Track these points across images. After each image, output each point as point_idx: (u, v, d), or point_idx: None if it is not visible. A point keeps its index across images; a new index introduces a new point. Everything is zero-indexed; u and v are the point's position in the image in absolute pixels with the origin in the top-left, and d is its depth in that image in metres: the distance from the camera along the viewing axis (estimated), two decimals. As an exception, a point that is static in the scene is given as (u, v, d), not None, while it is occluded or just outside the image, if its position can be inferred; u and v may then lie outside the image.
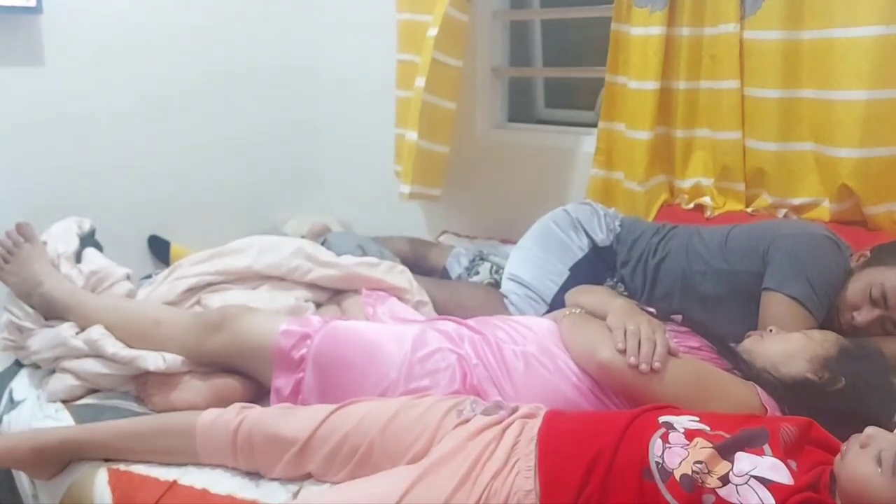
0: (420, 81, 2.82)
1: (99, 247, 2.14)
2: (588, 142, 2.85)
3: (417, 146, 2.87)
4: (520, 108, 3.38)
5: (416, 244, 2.75)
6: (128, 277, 2.04)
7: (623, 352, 1.48)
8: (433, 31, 2.79)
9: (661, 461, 1.23)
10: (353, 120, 3.50)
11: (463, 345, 1.68)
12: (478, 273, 2.45)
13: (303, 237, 2.49)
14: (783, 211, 2.44)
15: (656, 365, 1.45)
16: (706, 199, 2.55)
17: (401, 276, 2.15)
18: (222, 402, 1.65)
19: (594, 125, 2.80)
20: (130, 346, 1.79)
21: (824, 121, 2.27)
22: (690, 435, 1.26)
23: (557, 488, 1.27)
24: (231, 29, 3.15)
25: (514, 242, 2.42)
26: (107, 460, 1.59)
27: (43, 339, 1.84)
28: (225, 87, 3.17)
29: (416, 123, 2.85)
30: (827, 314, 1.89)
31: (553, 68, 3.52)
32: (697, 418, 1.32)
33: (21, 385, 1.87)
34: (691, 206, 2.59)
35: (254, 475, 1.52)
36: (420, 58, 2.90)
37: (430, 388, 1.59)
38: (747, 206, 2.51)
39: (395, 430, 1.44)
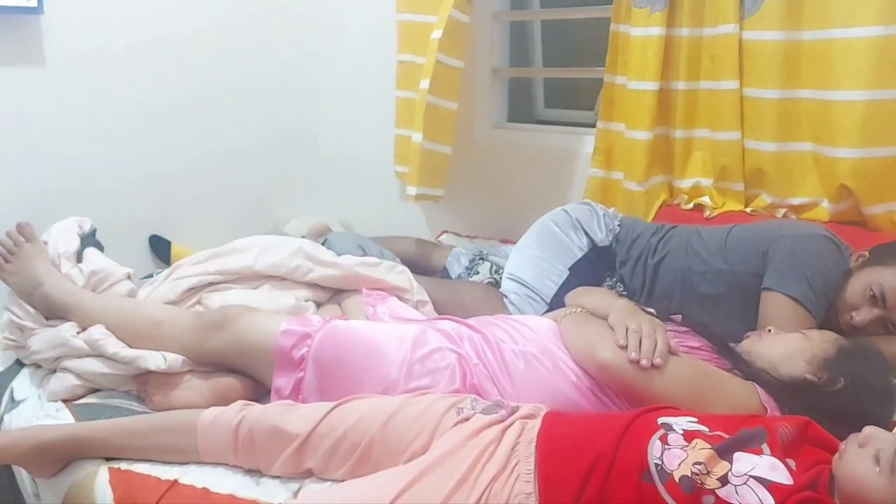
0: (424, 83, 2.83)
1: (100, 246, 2.14)
2: (587, 142, 2.85)
3: (422, 148, 2.88)
4: (519, 109, 3.39)
5: (422, 245, 2.76)
6: (129, 277, 2.04)
7: (624, 348, 1.49)
8: (437, 34, 2.79)
9: (660, 462, 1.23)
10: (354, 120, 3.51)
11: (463, 344, 1.69)
12: (477, 273, 2.46)
13: (303, 237, 2.50)
14: (782, 211, 2.45)
15: (657, 361, 1.46)
16: (705, 200, 2.56)
17: (401, 275, 2.15)
18: (223, 401, 1.65)
19: (593, 125, 2.81)
20: (131, 346, 1.79)
21: (823, 121, 2.28)
22: (689, 436, 1.26)
23: (557, 491, 1.27)
24: (232, 31, 3.16)
25: (514, 242, 2.42)
26: (108, 459, 1.59)
27: (44, 338, 1.84)
28: (226, 87, 3.18)
29: (421, 125, 2.86)
30: (826, 314, 1.89)
31: (552, 69, 3.53)
32: (696, 419, 1.32)
33: (22, 384, 1.87)
34: (690, 206, 2.59)
35: (254, 474, 1.52)
36: (421, 58, 2.92)
37: (431, 387, 1.60)
38: (746, 206, 2.51)
39: (395, 427, 1.44)
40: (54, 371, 1.84)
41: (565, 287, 2.07)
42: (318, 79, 3.53)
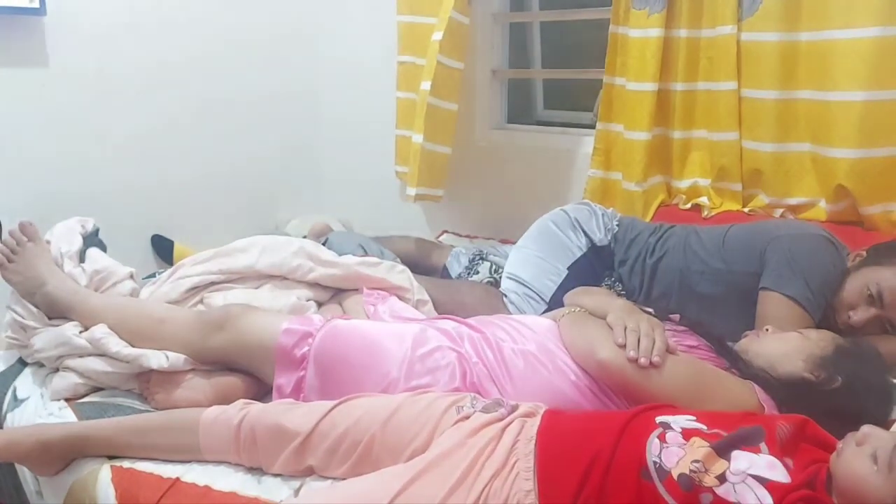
0: (425, 85, 2.84)
1: (102, 246, 2.14)
2: (586, 142, 2.86)
3: (423, 148, 2.88)
4: (519, 110, 3.40)
5: (422, 244, 2.77)
6: (131, 276, 2.04)
7: (623, 347, 1.50)
8: (438, 35, 2.81)
9: (658, 461, 1.23)
10: (355, 121, 3.52)
11: (463, 343, 1.69)
12: (477, 272, 2.46)
13: (304, 237, 2.50)
14: (780, 211, 2.46)
15: (655, 359, 1.46)
16: (703, 200, 2.57)
17: (401, 275, 2.16)
18: (225, 399, 1.65)
19: (592, 126, 2.82)
20: (133, 345, 1.79)
21: (821, 122, 2.29)
22: (687, 434, 1.27)
23: (556, 489, 1.27)
24: (234, 32, 3.17)
25: (514, 242, 2.43)
26: (110, 457, 1.59)
27: (46, 337, 1.84)
28: (228, 88, 3.20)
29: (422, 126, 2.87)
30: (824, 314, 1.90)
31: (552, 70, 3.54)
32: (694, 417, 1.33)
33: (25, 383, 1.87)
34: (688, 206, 2.61)
35: (256, 472, 1.53)
36: (422, 60, 2.93)
37: (431, 385, 1.60)
38: (744, 206, 2.52)
39: (396, 425, 1.45)
40: (57, 370, 1.84)
41: (564, 286, 2.08)
42: (320, 80, 3.54)
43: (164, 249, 3.03)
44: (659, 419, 1.32)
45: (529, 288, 2.18)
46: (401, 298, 2.11)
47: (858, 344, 1.62)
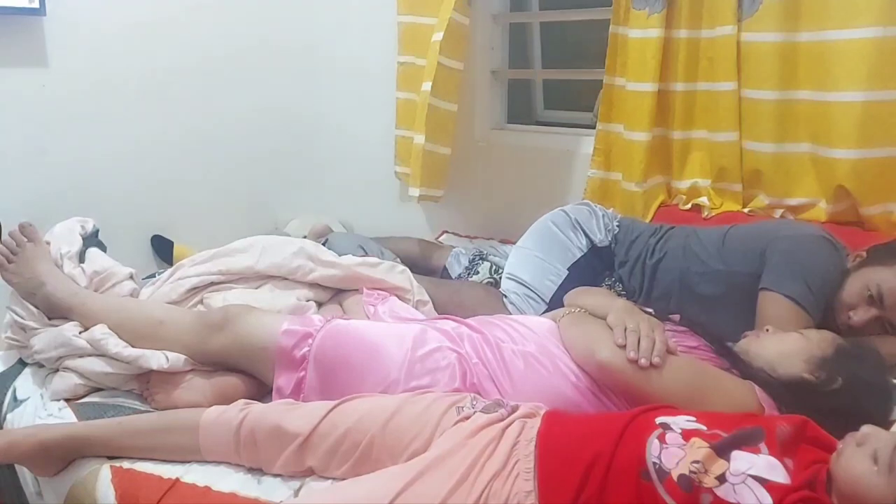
0: (426, 85, 2.84)
1: (102, 247, 2.14)
2: (586, 143, 2.86)
3: (424, 149, 2.88)
4: (519, 110, 3.40)
5: (422, 245, 2.78)
6: (131, 277, 2.04)
7: (623, 348, 1.49)
8: (439, 36, 2.81)
9: (658, 461, 1.23)
10: (355, 121, 3.51)
11: (463, 344, 1.69)
12: (477, 273, 2.47)
13: (304, 237, 2.50)
14: (780, 212, 2.45)
15: (655, 360, 1.46)
16: (703, 200, 2.56)
17: (401, 275, 2.16)
18: (225, 400, 1.65)
19: (592, 126, 2.82)
20: (133, 346, 1.79)
21: (821, 122, 2.28)
22: (687, 435, 1.27)
23: (556, 490, 1.27)
24: (235, 31, 3.17)
25: (514, 242, 2.43)
26: (110, 458, 1.59)
27: (46, 338, 1.84)
28: (228, 88, 3.20)
29: (423, 127, 2.87)
30: (824, 315, 1.89)
31: (552, 70, 3.54)
32: (694, 418, 1.32)
33: (25, 384, 1.87)
34: (689, 206, 2.60)
35: (256, 472, 1.53)
36: (422, 60, 2.93)
37: (431, 386, 1.60)
38: (744, 206, 2.52)
39: (396, 426, 1.45)
40: (56, 370, 1.84)
41: (564, 287, 2.08)
42: (319, 80, 3.53)
43: (164, 250, 3.03)
44: (659, 420, 1.32)
45: (529, 288, 2.18)
46: (401, 299, 2.11)
47: (859, 344, 1.62)
